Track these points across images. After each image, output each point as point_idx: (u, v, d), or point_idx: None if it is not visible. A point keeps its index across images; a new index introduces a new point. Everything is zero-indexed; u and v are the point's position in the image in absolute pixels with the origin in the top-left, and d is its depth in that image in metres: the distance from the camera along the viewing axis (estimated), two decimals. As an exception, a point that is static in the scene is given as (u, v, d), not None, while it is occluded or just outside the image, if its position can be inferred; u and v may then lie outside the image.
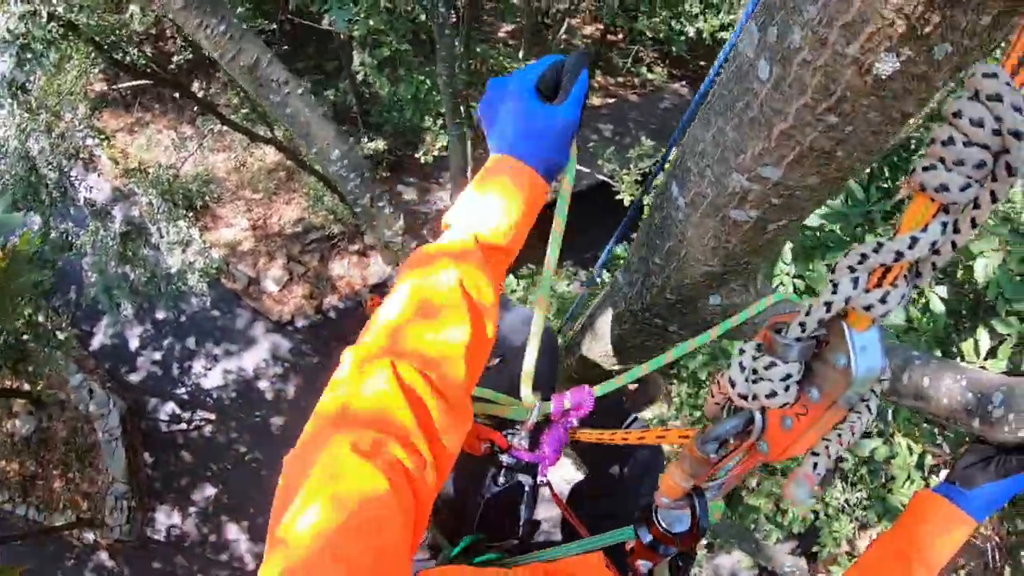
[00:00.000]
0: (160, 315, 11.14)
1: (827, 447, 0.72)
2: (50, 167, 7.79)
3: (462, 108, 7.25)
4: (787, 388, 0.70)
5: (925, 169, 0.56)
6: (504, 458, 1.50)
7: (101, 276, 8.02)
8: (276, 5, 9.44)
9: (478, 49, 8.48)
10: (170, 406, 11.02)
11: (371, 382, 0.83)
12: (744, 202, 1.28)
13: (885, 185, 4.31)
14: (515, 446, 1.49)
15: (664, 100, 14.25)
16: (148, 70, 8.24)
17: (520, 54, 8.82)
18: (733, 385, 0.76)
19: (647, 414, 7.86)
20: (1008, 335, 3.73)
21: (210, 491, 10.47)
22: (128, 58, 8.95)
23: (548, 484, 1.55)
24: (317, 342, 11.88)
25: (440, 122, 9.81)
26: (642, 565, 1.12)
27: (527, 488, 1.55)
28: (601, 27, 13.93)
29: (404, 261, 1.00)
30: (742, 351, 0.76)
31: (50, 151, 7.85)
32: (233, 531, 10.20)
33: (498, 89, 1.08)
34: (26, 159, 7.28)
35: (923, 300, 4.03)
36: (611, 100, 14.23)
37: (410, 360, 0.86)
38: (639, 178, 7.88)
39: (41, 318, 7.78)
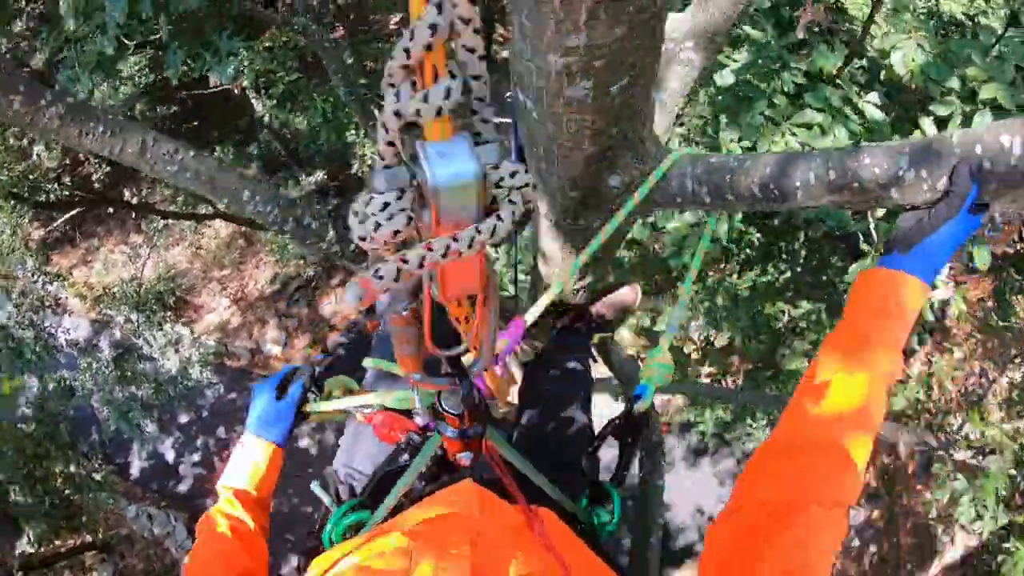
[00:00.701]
0: (183, 419, 11.21)
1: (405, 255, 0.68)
2: (22, 327, 7.83)
3: (374, 109, 7.19)
4: (390, 217, 0.68)
5: None
6: (414, 438, 1.57)
7: (111, 406, 8.08)
8: (166, 88, 9.37)
9: (369, 49, 8.39)
10: (227, 498, 11.07)
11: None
12: (572, 77, 1.30)
13: (784, 25, 4.29)
14: (428, 427, 1.53)
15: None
16: (76, 198, 8.21)
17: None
18: (350, 230, 0.73)
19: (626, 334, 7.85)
20: (951, 114, 3.71)
21: (295, 560, 10.54)
22: (53, 196, 8.92)
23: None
24: (338, 382, 11.92)
25: (362, 132, 9.75)
26: (463, 458, 1.14)
27: (423, 470, 1.55)
28: (482, -18, 13.74)
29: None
30: (356, 199, 0.73)
31: (17, 312, 7.89)
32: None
33: (257, 389, 1.70)
34: (-2, 329, 7.34)
35: (862, 119, 4.01)
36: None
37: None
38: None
39: (73, 469, 7.84)
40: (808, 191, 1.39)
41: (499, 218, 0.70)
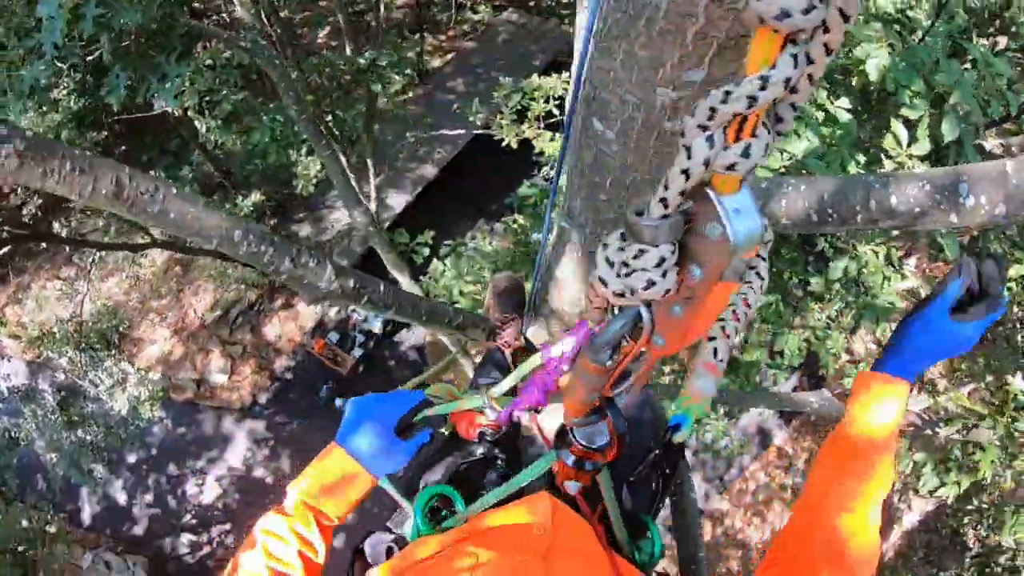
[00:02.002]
0: (132, 458, 10.73)
1: (723, 328, 0.67)
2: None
3: (322, 127, 7.03)
4: (664, 274, 0.63)
5: None
6: (487, 432, 1.56)
7: (60, 453, 7.68)
8: (97, 112, 8.92)
9: (312, 63, 8.17)
10: (185, 538, 10.70)
11: None
12: (677, 112, 1.25)
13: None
14: (495, 421, 1.54)
15: (500, 34, 14.13)
16: (4, 234, 7.73)
17: (348, 50, 8.55)
18: (605, 284, 0.67)
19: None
20: (920, 116, 3.88)
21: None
22: (-22, 233, 8.39)
23: (536, 425, 1.59)
24: (287, 408, 11.69)
25: (304, 150, 9.53)
26: (570, 486, 1.10)
27: (500, 461, 1.61)
28: (412, -8, 13.67)
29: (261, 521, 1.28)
30: (605, 245, 0.67)
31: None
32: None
33: (367, 408, 1.39)
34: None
35: (831, 123, 4.15)
36: (450, 55, 14.06)
37: None
38: (515, 117, 7.79)
39: (25, 523, 7.39)
40: (868, 214, 1.45)
41: (759, 276, 0.69)
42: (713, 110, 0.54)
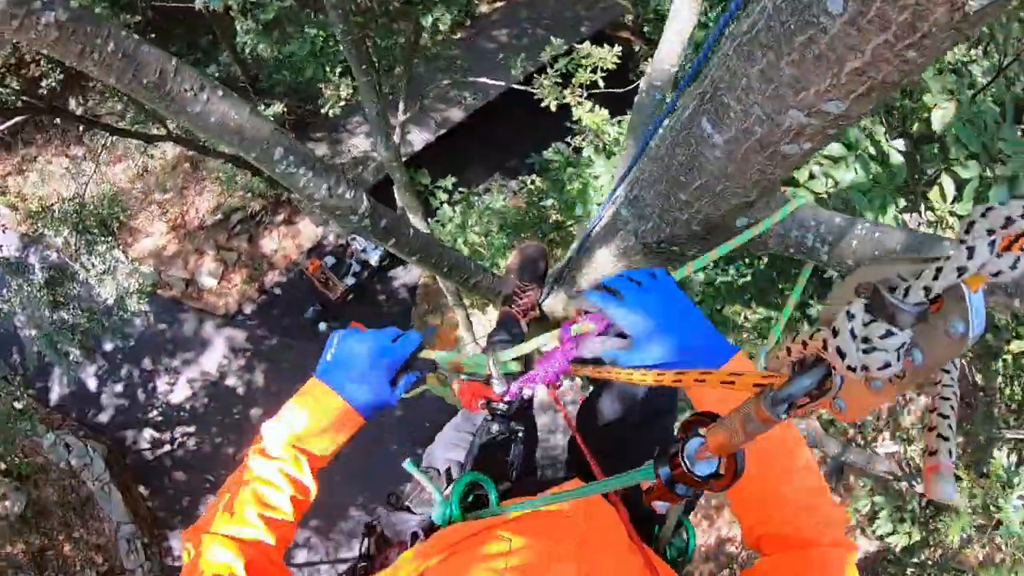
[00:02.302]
0: (108, 347, 10.71)
1: (949, 424, 0.67)
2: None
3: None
4: (899, 358, 0.63)
5: None
6: (498, 407, 1.55)
7: (39, 331, 7.61)
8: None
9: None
10: (148, 433, 10.74)
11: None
12: (800, 137, 1.24)
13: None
14: (503, 394, 1.51)
15: (552, -10, 13.82)
16: (19, 104, 7.50)
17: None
18: (843, 356, 0.67)
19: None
20: (970, 179, 3.83)
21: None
22: (-5, 99, 8.18)
23: (557, 401, 1.54)
24: (271, 322, 11.68)
25: (340, 71, 9.32)
26: (659, 506, 1.03)
27: (520, 434, 1.59)
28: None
29: (243, 466, 1.24)
30: (851, 315, 0.67)
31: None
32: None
33: (368, 344, 1.36)
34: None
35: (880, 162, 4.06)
36: (499, 4, 13.77)
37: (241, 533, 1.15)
38: (559, 80, 7.61)
39: (-8, 395, 7.38)
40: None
41: (954, 366, 0.70)
42: (1009, 220, 0.55)
